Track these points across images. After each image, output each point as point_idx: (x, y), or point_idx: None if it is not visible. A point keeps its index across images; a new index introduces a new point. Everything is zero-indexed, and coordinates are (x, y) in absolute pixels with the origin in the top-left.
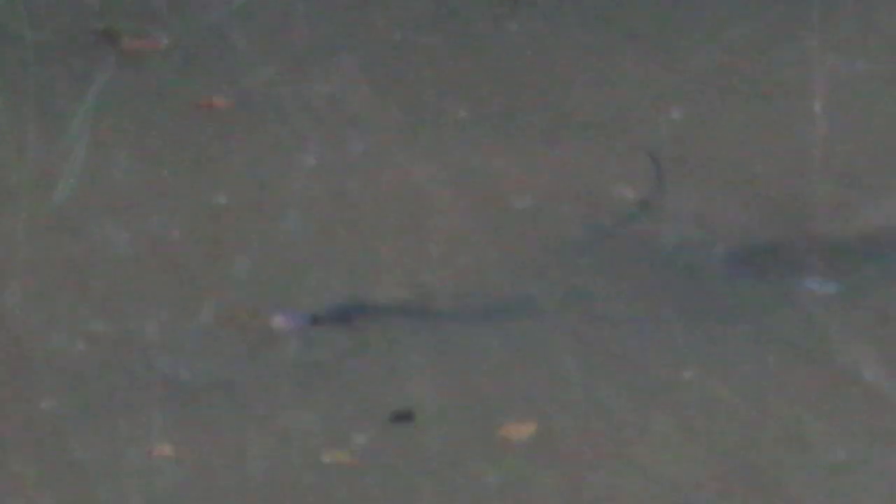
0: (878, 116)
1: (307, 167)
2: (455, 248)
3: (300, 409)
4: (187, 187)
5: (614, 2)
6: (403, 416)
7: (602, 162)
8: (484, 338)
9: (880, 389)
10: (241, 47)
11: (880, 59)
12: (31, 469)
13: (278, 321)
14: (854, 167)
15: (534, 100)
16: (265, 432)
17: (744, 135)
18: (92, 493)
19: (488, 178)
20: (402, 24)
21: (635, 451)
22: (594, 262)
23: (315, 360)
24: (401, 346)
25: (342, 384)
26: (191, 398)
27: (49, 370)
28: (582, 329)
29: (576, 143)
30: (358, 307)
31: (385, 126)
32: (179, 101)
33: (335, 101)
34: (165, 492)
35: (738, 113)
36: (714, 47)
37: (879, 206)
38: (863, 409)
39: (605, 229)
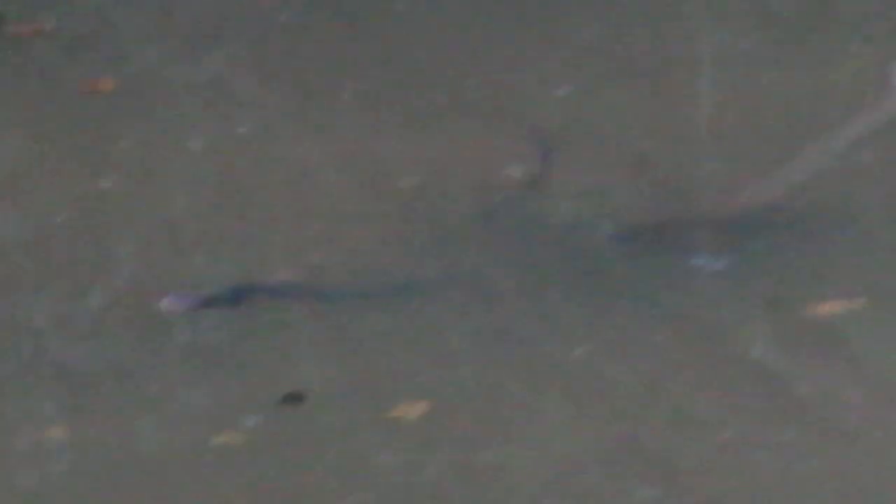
0: (763, 94)
1: (194, 150)
2: (345, 228)
3: (190, 391)
4: (73, 172)
5: None
6: (294, 398)
7: (491, 141)
8: (374, 318)
9: (768, 367)
10: (126, 30)
11: (766, 37)
12: None
13: (167, 304)
14: (740, 144)
15: (421, 80)
16: (156, 415)
17: (631, 112)
18: None
19: (377, 159)
20: (289, 5)
21: (526, 430)
22: (483, 241)
23: (204, 342)
24: (291, 328)
25: (232, 366)
26: (82, 382)
27: None
28: (472, 308)
29: (464, 122)
30: (248, 289)
31: (273, 107)
32: (65, 84)
33: (222, 82)
34: (57, 475)
35: (625, 91)
36: (600, 25)
37: (766, 184)
38: (751, 386)
39: (494, 209)
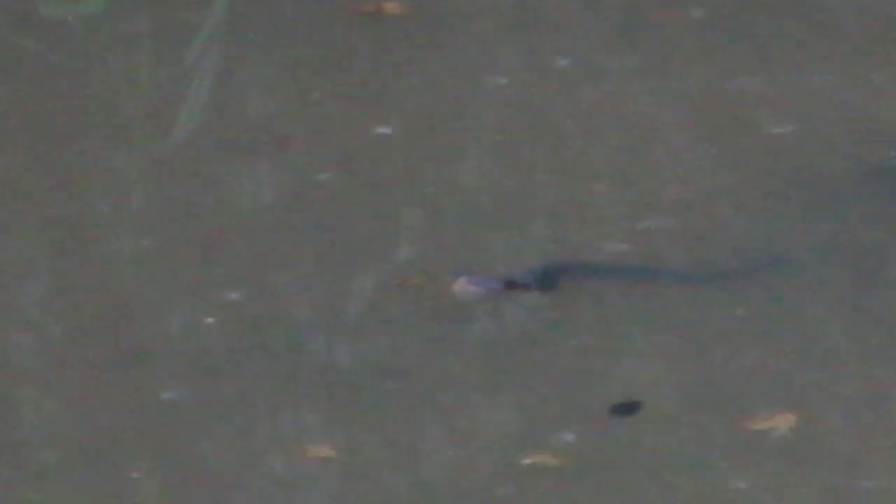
0: None
1: (497, 88)
2: (689, 187)
3: (490, 399)
4: (345, 114)
5: None
6: (626, 409)
7: (881, 78)
8: (724, 305)
9: None
10: None
11: None
12: (154, 471)
13: (460, 287)
14: None
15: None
16: (446, 430)
17: None
18: (231, 498)
19: (731, 99)
20: None
21: None
22: (868, 204)
23: (507, 337)
24: (616, 318)
25: (543, 368)
26: (351, 388)
27: (171, 354)
28: (851, 291)
29: (846, 55)
30: (561, 268)
31: (597, 35)
32: (343, 4)
33: (532, 3)
34: (324, 499)
35: None
36: None
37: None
38: None
39: (885, 163)
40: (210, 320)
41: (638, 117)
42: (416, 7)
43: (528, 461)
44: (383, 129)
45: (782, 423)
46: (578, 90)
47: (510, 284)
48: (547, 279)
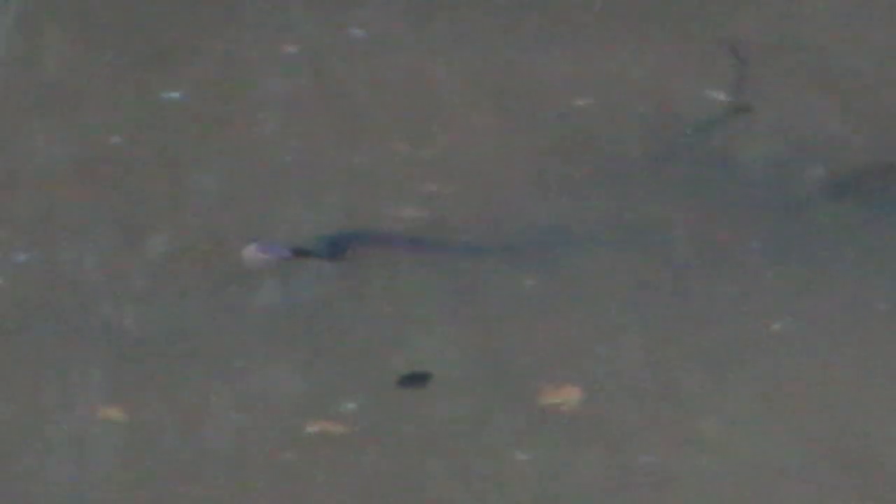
0: None
1: (291, 56)
2: (478, 162)
3: (277, 366)
4: (134, 78)
5: None
6: (415, 380)
7: (675, 58)
8: (512, 278)
9: None
10: None
11: None
12: None
13: (250, 254)
14: None
15: None
16: (234, 396)
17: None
18: (17, 459)
19: (524, 76)
20: None
21: (704, 428)
22: (655, 183)
23: (296, 305)
24: (405, 289)
25: (330, 336)
26: (140, 352)
27: None
28: (639, 267)
29: (638, 32)
30: (350, 237)
31: (392, 6)
32: None
33: None
34: (112, 460)
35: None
36: None
37: None
38: None
39: (672, 143)
40: None
41: (432, 87)
42: None
43: (312, 429)
44: (173, 94)
45: (568, 396)
46: (372, 60)
47: (299, 252)
48: (336, 248)
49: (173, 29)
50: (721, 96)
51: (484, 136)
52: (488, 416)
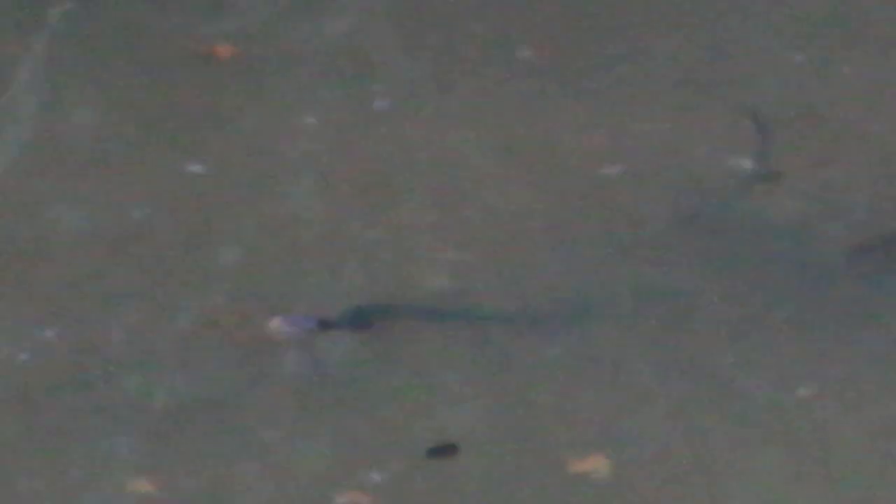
0: None
1: (315, 128)
2: (505, 233)
3: (304, 437)
4: (159, 153)
5: None
6: (444, 451)
7: (699, 124)
8: (540, 348)
9: None
10: None
11: None
12: None
13: (276, 327)
14: None
15: (607, 48)
16: (260, 467)
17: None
18: None
19: (548, 145)
20: None
21: (733, 494)
22: (682, 251)
23: (322, 376)
24: (432, 360)
25: (357, 407)
26: (168, 424)
27: None
28: (666, 337)
29: (665, 100)
30: (377, 309)
31: (415, 78)
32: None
33: (352, 47)
34: None
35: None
36: None
37: None
38: None
39: (699, 210)
40: (24, 356)
41: (456, 156)
42: (246, 51)
43: (342, 500)
44: (196, 168)
45: (597, 465)
46: (396, 130)
47: (325, 324)
48: (361, 319)
49: (197, 101)
50: (747, 164)
51: (509, 205)
52: (517, 485)
